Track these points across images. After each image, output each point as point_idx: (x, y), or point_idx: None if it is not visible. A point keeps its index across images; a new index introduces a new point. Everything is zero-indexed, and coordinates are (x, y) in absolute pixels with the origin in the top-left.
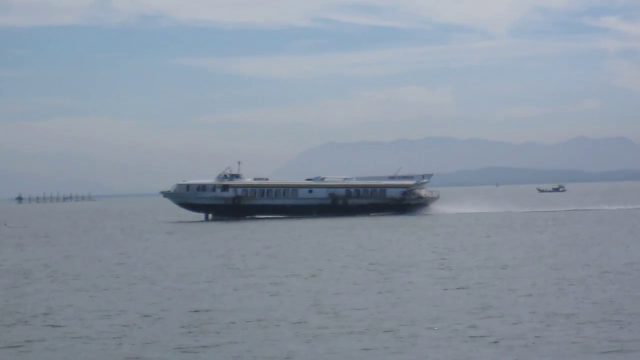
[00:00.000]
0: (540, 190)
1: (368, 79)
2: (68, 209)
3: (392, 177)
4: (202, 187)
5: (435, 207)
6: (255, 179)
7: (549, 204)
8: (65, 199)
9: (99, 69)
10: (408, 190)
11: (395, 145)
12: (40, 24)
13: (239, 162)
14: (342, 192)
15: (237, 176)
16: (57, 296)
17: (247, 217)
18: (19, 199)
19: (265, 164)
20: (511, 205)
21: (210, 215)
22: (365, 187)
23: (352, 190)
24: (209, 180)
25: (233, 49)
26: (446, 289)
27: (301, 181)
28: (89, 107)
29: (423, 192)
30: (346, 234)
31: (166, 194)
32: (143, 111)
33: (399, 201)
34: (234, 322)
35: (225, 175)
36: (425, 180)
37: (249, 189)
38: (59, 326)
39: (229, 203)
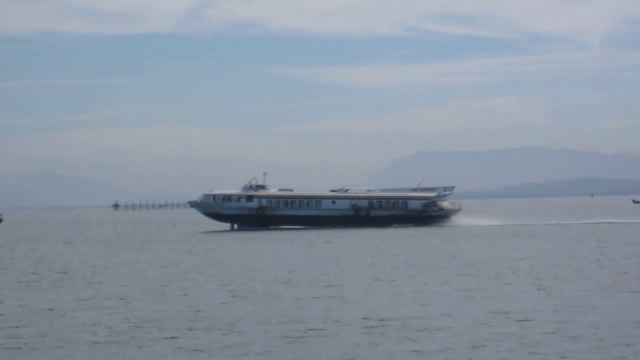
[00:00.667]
0: (635, 202)
1: (458, 89)
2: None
3: (414, 189)
4: (227, 198)
5: (457, 219)
6: (280, 190)
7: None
8: (160, 206)
9: (189, 78)
10: (429, 202)
11: (486, 156)
12: (134, 32)
13: (264, 173)
14: (364, 203)
15: (262, 187)
16: None
17: (271, 227)
18: (115, 206)
19: (354, 174)
20: (535, 218)
21: (235, 226)
22: (387, 198)
23: (374, 201)
24: (235, 190)
25: (324, 58)
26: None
27: (325, 192)
28: (179, 115)
29: (445, 204)
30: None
31: (193, 204)
32: (232, 120)
33: (420, 213)
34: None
35: (251, 186)
36: (447, 193)
37: (273, 199)
38: None
39: (253, 213)
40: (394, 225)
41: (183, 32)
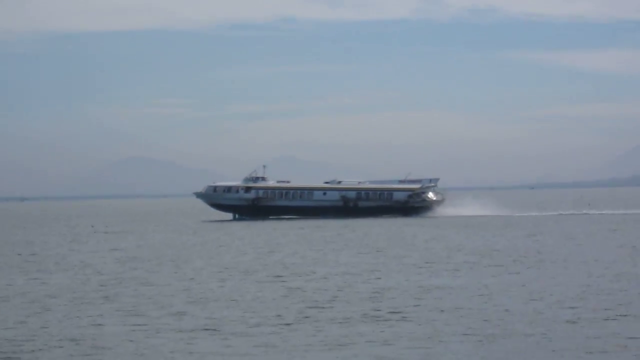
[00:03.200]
0: None
1: None
2: None
3: (401, 181)
4: (228, 189)
5: (441, 210)
6: (278, 182)
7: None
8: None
9: (428, 63)
10: (413, 194)
11: None
12: (372, 18)
13: (264, 166)
14: (352, 194)
15: (261, 179)
16: None
17: (267, 217)
18: None
19: (591, 159)
20: (511, 209)
21: (236, 215)
22: (374, 190)
23: (362, 193)
24: (235, 182)
25: (564, 43)
26: None
27: (318, 184)
28: (416, 100)
29: (429, 196)
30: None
31: (198, 195)
32: (470, 105)
33: (405, 204)
34: None
35: (251, 178)
36: (431, 184)
37: (269, 191)
38: None
39: (250, 204)
40: (379, 216)
41: (422, 18)
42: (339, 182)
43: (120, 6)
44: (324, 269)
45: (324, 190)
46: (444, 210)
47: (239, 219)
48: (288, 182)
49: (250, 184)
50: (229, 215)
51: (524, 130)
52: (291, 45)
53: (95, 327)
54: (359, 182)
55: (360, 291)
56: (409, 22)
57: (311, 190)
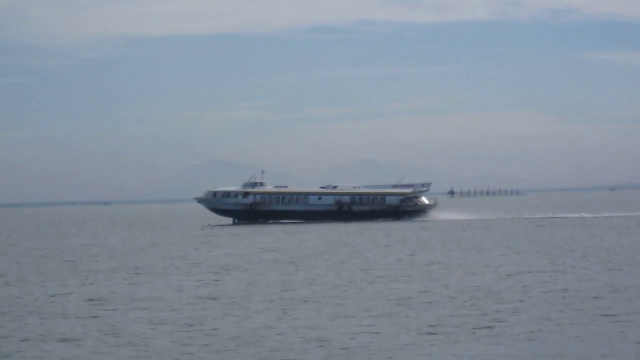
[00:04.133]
0: None
1: None
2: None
3: (395, 186)
4: (227, 194)
5: (433, 214)
6: (276, 187)
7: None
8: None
9: (506, 64)
10: (405, 198)
11: None
12: (449, 20)
13: (262, 171)
14: (347, 199)
15: (259, 184)
16: None
17: (264, 221)
18: (451, 193)
19: None
20: (502, 213)
21: (235, 220)
22: (367, 194)
23: (356, 197)
24: (234, 187)
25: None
26: None
27: (315, 189)
28: (494, 102)
29: (421, 200)
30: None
31: (199, 200)
32: (549, 106)
33: (397, 208)
34: None
35: (249, 183)
36: (424, 189)
37: (266, 195)
38: None
39: (248, 209)
40: (373, 220)
41: (499, 19)
42: (335, 187)
43: (195, 11)
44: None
45: (319, 194)
46: (437, 215)
47: (238, 224)
48: (285, 187)
49: (249, 189)
50: (229, 220)
51: (604, 131)
52: (370, 47)
53: None
54: (354, 187)
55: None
56: (487, 24)
57: (307, 194)
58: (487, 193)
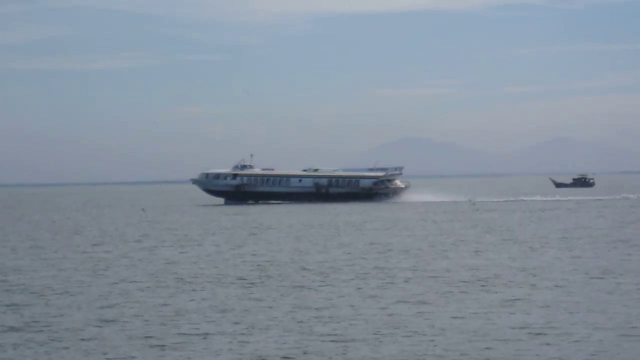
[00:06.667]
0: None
1: None
2: None
3: (370, 169)
4: (217, 176)
5: (404, 196)
6: (263, 169)
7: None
8: None
9: None
10: (378, 181)
11: None
12: None
13: (251, 155)
14: (324, 181)
15: (248, 167)
16: None
17: (251, 202)
18: None
19: None
20: (469, 195)
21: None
22: (343, 177)
23: (332, 180)
24: (224, 170)
25: None
26: None
27: (297, 171)
28: None
29: (393, 183)
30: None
31: (194, 181)
32: None
33: (370, 190)
34: None
35: (238, 166)
36: (396, 172)
37: (252, 178)
38: None
39: (235, 190)
40: (348, 202)
41: None
42: (316, 170)
43: None
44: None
45: (300, 177)
46: (408, 196)
47: (227, 204)
48: (272, 169)
49: (237, 172)
50: (221, 200)
51: None
52: (564, 23)
53: None
54: (334, 170)
55: None
56: None
57: (289, 177)
58: None
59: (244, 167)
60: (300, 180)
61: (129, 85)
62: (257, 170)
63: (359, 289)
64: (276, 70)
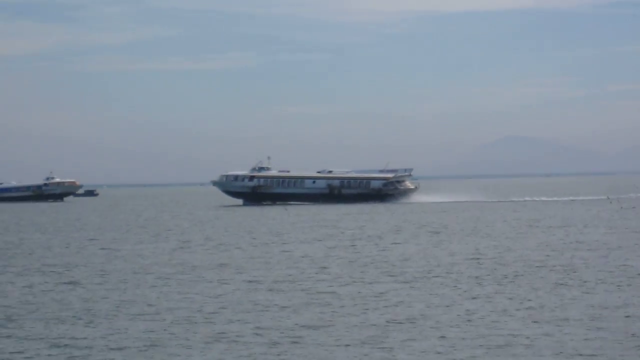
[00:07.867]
0: None
1: None
2: None
3: (381, 171)
4: (235, 178)
5: (414, 197)
6: (279, 171)
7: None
8: None
9: None
10: (388, 182)
11: None
12: None
13: (268, 157)
14: (337, 183)
15: (266, 168)
16: None
17: (268, 203)
18: None
19: None
20: (481, 196)
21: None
22: (355, 179)
23: (344, 181)
24: (243, 172)
25: None
26: None
27: (312, 173)
28: None
29: (403, 184)
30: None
31: (214, 183)
32: None
33: (380, 191)
34: None
35: (256, 168)
36: (406, 174)
37: (268, 179)
38: None
39: (251, 191)
40: (359, 202)
41: None
42: (330, 172)
43: None
44: None
45: (314, 179)
46: (417, 197)
47: (245, 205)
48: (288, 171)
49: (254, 173)
50: (240, 201)
51: None
52: None
53: None
54: (347, 172)
55: None
56: None
57: (303, 179)
58: None
59: (261, 169)
60: (314, 182)
61: (230, 85)
62: (273, 172)
63: None
64: (377, 69)
